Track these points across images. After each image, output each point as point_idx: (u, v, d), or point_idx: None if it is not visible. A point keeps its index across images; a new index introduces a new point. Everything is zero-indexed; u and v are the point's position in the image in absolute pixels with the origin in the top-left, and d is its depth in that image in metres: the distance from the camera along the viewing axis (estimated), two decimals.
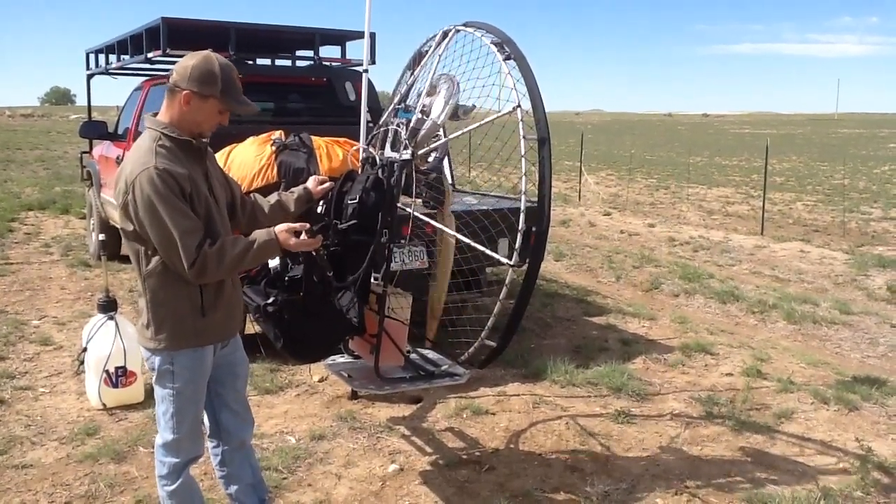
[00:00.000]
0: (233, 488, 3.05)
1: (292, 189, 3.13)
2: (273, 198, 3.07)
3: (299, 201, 3.08)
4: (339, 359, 4.30)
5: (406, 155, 3.66)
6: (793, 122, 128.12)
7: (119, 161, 7.31)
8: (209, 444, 3.03)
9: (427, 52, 4.10)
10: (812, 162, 33.62)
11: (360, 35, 6.49)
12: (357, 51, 7.16)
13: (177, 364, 2.69)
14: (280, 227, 2.69)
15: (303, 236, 2.72)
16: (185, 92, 2.59)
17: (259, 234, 2.67)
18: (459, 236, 3.90)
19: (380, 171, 3.69)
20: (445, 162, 6.07)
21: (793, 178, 25.08)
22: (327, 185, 3.18)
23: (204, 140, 2.72)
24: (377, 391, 4.13)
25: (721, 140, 60.42)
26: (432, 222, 3.93)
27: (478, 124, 3.71)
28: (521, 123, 3.39)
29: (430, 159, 3.98)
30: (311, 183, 3.14)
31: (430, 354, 4.28)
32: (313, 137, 4.91)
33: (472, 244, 3.84)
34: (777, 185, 21.38)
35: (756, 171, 25.49)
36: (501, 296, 3.52)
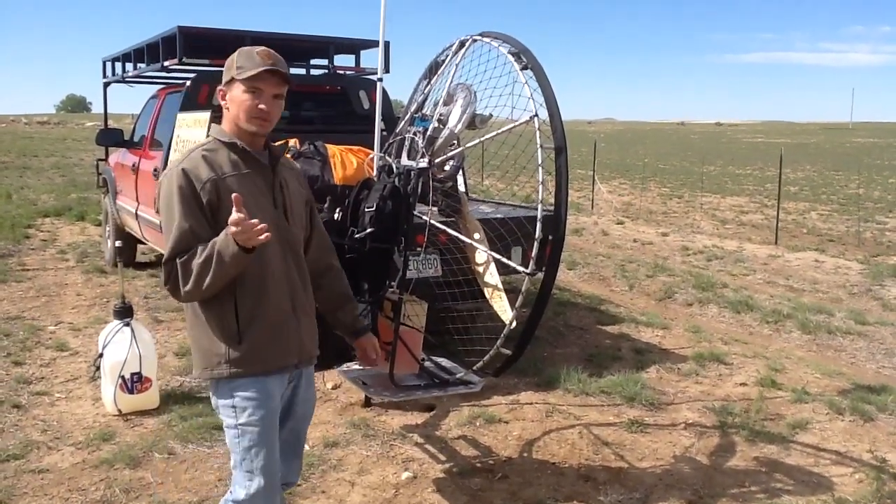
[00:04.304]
0: None
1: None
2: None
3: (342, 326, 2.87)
4: (354, 366, 4.32)
5: (423, 163, 3.68)
6: (806, 130, 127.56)
7: (135, 168, 7.37)
8: None
9: (444, 61, 4.12)
10: (826, 171, 33.48)
11: (374, 44, 6.54)
12: (371, 59, 7.20)
13: (238, 396, 2.44)
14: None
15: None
16: (220, 91, 2.49)
17: (219, 238, 2.29)
18: (476, 244, 3.91)
19: (397, 180, 3.71)
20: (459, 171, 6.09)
21: (807, 187, 24.98)
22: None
23: (263, 146, 2.50)
24: (391, 398, 4.14)
25: (734, 149, 60.25)
26: (449, 230, 3.93)
27: (495, 133, 3.72)
28: (537, 133, 3.40)
29: (447, 168, 3.99)
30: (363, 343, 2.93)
31: (445, 362, 4.29)
32: (328, 146, 4.94)
33: (488, 252, 3.85)
34: (791, 195, 21.28)
35: (770, 180, 25.40)
36: (517, 304, 3.53)
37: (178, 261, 2.29)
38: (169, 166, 2.44)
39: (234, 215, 2.19)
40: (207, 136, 2.52)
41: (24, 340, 6.03)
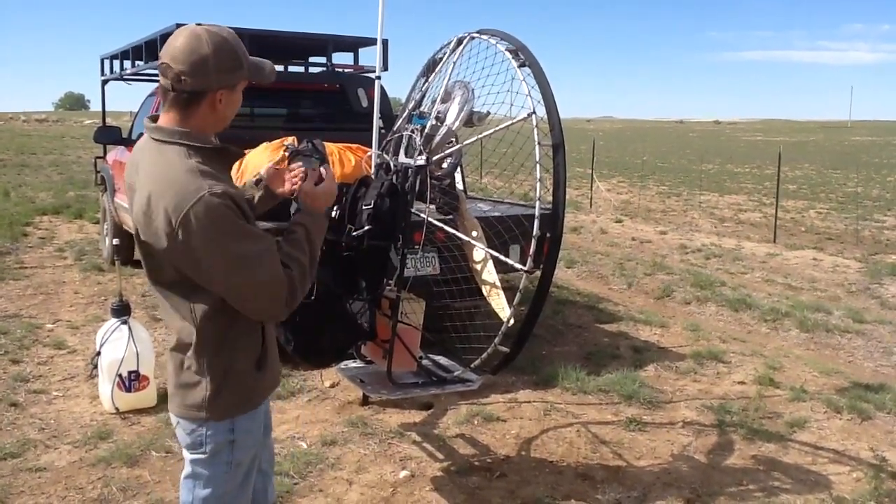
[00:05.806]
0: None
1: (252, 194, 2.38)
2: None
3: (262, 202, 2.39)
4: (352, 364, 4.31)
5: (420, 161, 3.67)
6: (805, 129, 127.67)
7: None
8: None
9: (441, 58, 4.12)
10: (825, 169, 33.50)
11: (372, 42, 6.51)
12: (370, 57, 7.19)
13: (238, 430, 2.12)
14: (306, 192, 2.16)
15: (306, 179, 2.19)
16: (218, 92, 2.00)
17: (296, 219, 2.14)
18: (474, 241, 3.90)
19: (394, 177, 3.70)
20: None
21: (805, 185, 25.00)
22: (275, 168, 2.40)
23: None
24: (389, 396, 4.14)
25: (733, 147, 60.31)
26: (446, 227, 3.93)
27: (492, 130, 3.71)
28: (535, 130, 3.39)
29: (445, 165, 3.98)
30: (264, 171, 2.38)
31: (443, 360, 4.29)
32: (326, 143, 4.92)
33: (486, 250, 3.84)
34: (790, 193, 21.30)
35: (768, 179, 25.40)
36: (515, 301, 3.52)
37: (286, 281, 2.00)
38: (189, 197, 1.87)
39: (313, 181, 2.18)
40: (168, 140, 2.01)
41: (21, 338, 6.02)
